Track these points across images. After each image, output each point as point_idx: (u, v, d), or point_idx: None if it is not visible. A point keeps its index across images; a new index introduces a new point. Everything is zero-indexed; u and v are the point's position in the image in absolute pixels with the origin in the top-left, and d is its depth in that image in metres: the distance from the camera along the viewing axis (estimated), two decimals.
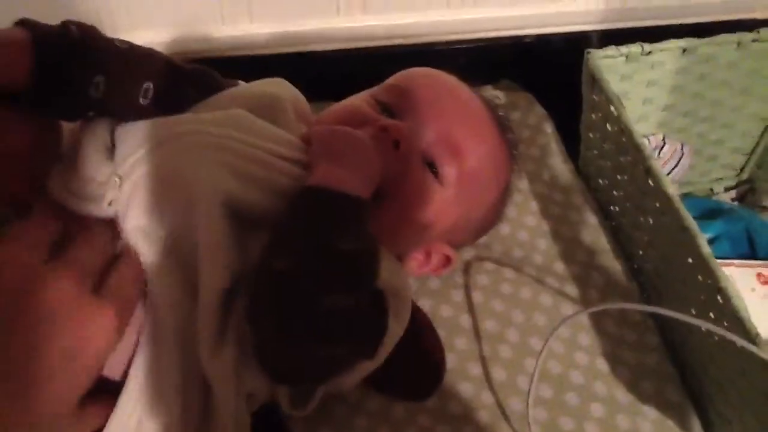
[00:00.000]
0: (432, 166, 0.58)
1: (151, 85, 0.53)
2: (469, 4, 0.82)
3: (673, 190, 0.60)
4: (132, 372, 0.46)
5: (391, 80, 0.63)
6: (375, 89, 0.63)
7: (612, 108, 0.68)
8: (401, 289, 0.56)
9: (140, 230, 0.48)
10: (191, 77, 0.59)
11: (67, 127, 0.55)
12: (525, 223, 0.76)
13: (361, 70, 0.82)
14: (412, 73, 0.64)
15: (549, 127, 0.85)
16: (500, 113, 0.66)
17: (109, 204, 0.48)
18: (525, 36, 0.87)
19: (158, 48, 0.58)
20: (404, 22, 0.82)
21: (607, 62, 0.74)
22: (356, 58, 0.83)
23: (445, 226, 0.61)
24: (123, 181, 0.48)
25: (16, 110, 0.49)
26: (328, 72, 0.83)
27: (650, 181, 0.63)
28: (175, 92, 0.56)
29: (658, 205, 0.63)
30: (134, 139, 0.50)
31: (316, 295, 0.44)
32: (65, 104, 0.49)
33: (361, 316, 0.47)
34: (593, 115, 0.75)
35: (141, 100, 0.53)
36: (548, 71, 0.88)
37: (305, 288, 0.44)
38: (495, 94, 0.83)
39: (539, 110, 0.87)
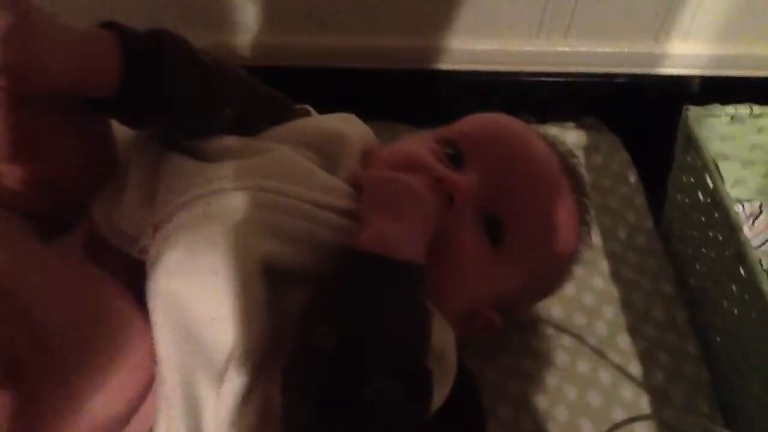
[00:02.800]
0: (489, 227, 0.52)
1: (229, 111, 0.53)
2: (560, 35, 0.76)
3: None
4: None
5: (459, 124, 0.57)
6: (439, 132, 0.57)
7: (707, 177, 0.61)
8: (448, 351, 0.51)
9: (160, 284, 0.45)
10: (265, 103, 0.58)
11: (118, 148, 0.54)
12: (592, 285, 0.69)
13: (439, 92, 0.78)
14: (485, 121, 0.58)
15: (632, 177, 0.78)
16: (577, 174, 0.59)
17: (141, 251, 0.47)
18: (616, 74, 0.80)
19: None
20: (489, 48, 0.76)
21: (708, 121, 0.66)
22: (437, 80, 0.78)
23: (494, 292, 0.55)
24: (157, 231, 0.46)
25: (77, 128, 0.49)
26: (401, 91, 0.78)
27: (742, 270, 0.56)
28: (250, 118, 0.55)
29: (747, 297, 0.56)
30: (176, 186, 0.48)
31: (360, 381, 0.40)
32: (144, 114, 0.50)
33: (406, 405, 0.42)
34: (684, 177, 0.68)
35: (216, 122, 0.53)
36: (638, 115, 0.81)
37: (349, 372, 0.40)
38: (613, 147, 0.75)
39: (623, 156, 0.80)
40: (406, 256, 0.44)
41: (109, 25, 0.48)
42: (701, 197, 0.64)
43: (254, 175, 0.48)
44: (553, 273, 0.59)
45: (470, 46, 0.76)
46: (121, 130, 0.54)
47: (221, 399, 0.43)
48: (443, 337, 0.52)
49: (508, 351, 0.64)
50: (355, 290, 0.43)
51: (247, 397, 0.44)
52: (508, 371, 0.63)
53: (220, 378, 0.43)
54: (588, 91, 0.81)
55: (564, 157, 0.58)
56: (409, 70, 0.77)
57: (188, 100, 0.51)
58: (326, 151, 0.54)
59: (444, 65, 0.77)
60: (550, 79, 0.79)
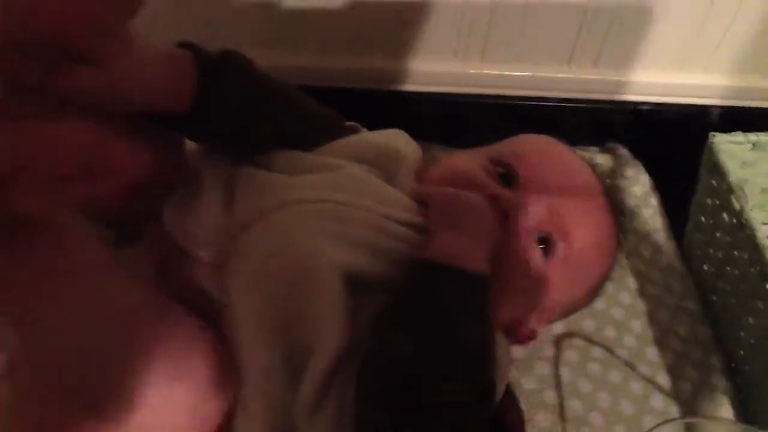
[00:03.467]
0: (542, 244, 0.56)
1: (290, 127, 0.56)
2: (589, 64, 0.80)
3: None
4: None
5: (510, 144, 0.61)
6: (491, 151, 0.61)
7: (733, 199, 0.65)
8: (503, 361, 0.54)
9: (240, 291, 0.48)
10: (321, 120, 0.60)
11: (189, 157, 0.56)
12: (620, 301, 0.73)
13: (469, 116, 0.82)
14: (535, 142, 0.62)
15: (654, 200, 0.82)
16: (615, 196, 0.63)
17: (216, 255, 0.50)
18: (641, 103, 0.84)
19: None
20: (520, 74, 0.80)
21: (730, 147, 0.70)
22: (466, 104, 0.82)
23: (539, 305, 0.59)
24: (235, 237, 0.49)
25: (147, 137, 0.51)
26: (433, 114, 0.82)
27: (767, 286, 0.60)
28: (308, 134, 0.58)
29: None
30: (254, 195, 0.51)
31: (436, 386, 0.43)
32: (211, 130, 0.53)
33: (475, 411, 0.45)
34: (708, 200, 0.72)
35: (279, 137, 0.56)
36: (660, 142, 0.85)
37: (423, 379, 0.43)
38: (636, 172, 0.79)
39: (646, 180, 0.84)
40: (475, 268, 0.48)
41: (184, 46, 0.51)
42: (726, 218, 0.68)
43: (330, 189, 0.51)
44: (592, 287, 0.63)
45: (504, 72, 0.80)
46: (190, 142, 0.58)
47: (300, 398, 0.45)
48: (499, 347, 0.55)
49: (545, 360, 0.67)
50: (429, 299, 0.46)
51: (324, 398, 0.46)
52: (544, 381, 0.66)
53: (299, 378, 0.46)
54: (613, 118, 0.85)
55: (603, 180, 0.62)
56: (445, 93, 0.81)
57: (254, 117, 0.55)
58: (383, 166, 0.57)
59: (476, 89, 0.81)
60: (577, 105, 0.83)
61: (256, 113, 0.55)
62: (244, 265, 0.49)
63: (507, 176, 0.57)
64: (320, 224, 0.49)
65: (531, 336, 0.62)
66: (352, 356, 0.46)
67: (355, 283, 0.48)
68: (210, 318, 0.49)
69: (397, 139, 0.62)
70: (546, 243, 0.56)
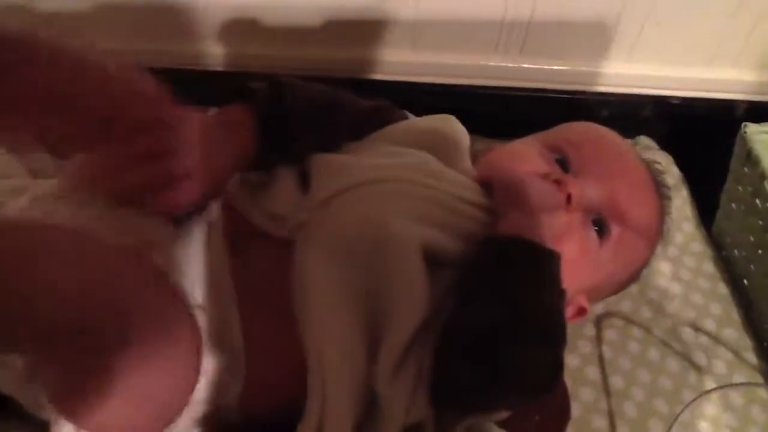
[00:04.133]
0: (597, 226, 0.60)
1: (345, 129, 0.61)
2: (623, 58, 0.84)
3: None
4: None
5: (563, 132, 0.65)
6: (544, 138, 0.64)
7: (767, 185, 0.69)
8: None
9: (318, 261, 0.50)
10: (371, 115, 0.63)
11: None
12: (656, 284, 0.76)
13: (507, 110, 0.85)
14: (586, 130, 0.65)
15: (684, 190, 0.85)
16: (659, 180, 0.66)
17: (292, 229, 0.53)
18: (671, 97, 0.87)
19: None
20: (558, 68, 0.83)
21: (761, 138, 0.74)
22: (504, 97, 0.85)
23: (593, 283, 0.62)
24: (313, 213, 0.52)
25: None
26: (473, 107, 0.85)
27: None
28: (357, 127, 0.61)
29: None
30: (331, 174, 0.55)
31: (523, 349, 0.46)
32: (279, 157, 0.58)
33: (554, 375, 0.48)
34: (740, 188, 0.75)
35: (337, 135, 0.61)
36: (689, 135, 0.88)
37: (514, 341, 0.46)
38: (657, 158, 0.83)
39: (675, 172, 0.87)
40: (546, 244, 0.51)
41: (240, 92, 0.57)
42: (759, 204, 0.71)
43: (406, 170, 0.54)
44: (638, 269, 0.66)
45: (541, 65, 0.83)
46: None
47: (380, 364, 0.48)
48: None
49: (586, 339, 0.70)
50: (513, 270, 0.49)
51: (403, 364, 0.49)
52: (586, 358, 0.69)
53: (378, 346, 0.48)
54: (643, 111, 0.88)
55: (649, 165, 0.66)
56: (487, 87, 0.85)
57: (311, 134, 0.59)
58: (440, 151, 0.61)
59: (519, 83, 0.84)
60: (609, 98, 0.87)
61: (313, 129, 0.59)
62: (324, 239, 0.51)
63: (562, 162, 0.61)
64: (399, 202, 0.52)
65: (581, 314, 0.65)
66: (428, 324, 0.50)
67: (429, 258, 0.51)
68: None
69: (448, 125, 0.65)
70: (601, 226, 0.60)
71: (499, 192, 0.55)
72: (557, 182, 0.57)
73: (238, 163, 0.56)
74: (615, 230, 0.60)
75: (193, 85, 0.77)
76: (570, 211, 0.57)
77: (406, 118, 0.67)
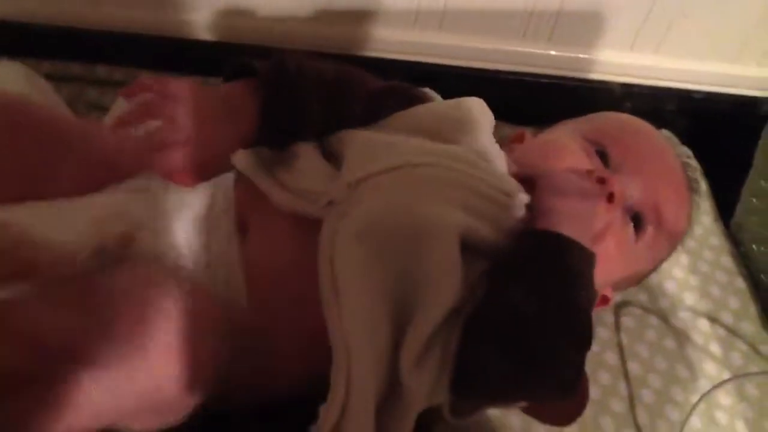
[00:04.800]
0: (635, 222, 0.60)
1: (357, 108, 0.59)
2: (650, 50, 0.84)
3: None
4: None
5: (602, 124, 0.64)
6: (583, 129, 0.64)
7: None
8: None
9: (351, 242, 0.49)
10: (385, 94, 0.62)
11: None
12: (674, 275, 0.76)
13: (532, 96, 0.86)
14: (626, 123, 0.66)
15: (703, 184, 0.86)
16: (690, 174, 0.67)
17: (328, 204, 0.51)
18: (695, 91, 0.88)
19: None
20: (585, 57, 0.84)
21: None
22: (530, 84, 0.86)
23: (622, 277, 0.63)
24: (345, 192, 0.51)
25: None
26: (498, 92, 0.85)
27: None
28: (371, 106, 0.60)
29: None
30: (369, 152, 0.54)
31: (554, 342, 0.46)
32: (286, 135, 0.56)
33: (579, 368, 0.49)
34: (763, 183, 0.76)
35: (352, 113, 0.59)
36: (710, 130, 0.88)
37: (547, 334, 0.46)
38: (685, 152, 0.83)
39: (695, 166, 0.87)
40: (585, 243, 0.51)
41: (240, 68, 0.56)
42: None
43: (447, 156, 0.54)
44: (663, 260, 0.67)
45: (570, 54, 0.84)
46: None
47: (406, 350, 0.47)
48: None
49: (605, 326, 0.71)
50: (551, 265, 0.49)
51: (429, 350, 0.48)
52: (605, 344, 0.70)
53: (403, 331, 0.47)
54: (666, 104, 0.89)
55: (680, 156, 0.66)
56: (513, 72, 0.85)
57: (322, 111, 0.57)
58: (466, 134, 0.59)
59: (545, 70, 0.84)
60: (634, 90, 0.87)
61: (324, 105, 0.57)
62: (358, 219, 0.50)
63: (602, 155, 0.61)
64: (439, 187, 0.51)
65: (604, 302, 0.65)
66: (456, 312, 0.49)
67: (465, 246, 0.49)
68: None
69: (472, 109, 0.62)
70: (637, 220, 0.60)
71: (542, 192, 0.55)
72: (601, 180, 0.57)
73: (240, 139, 0.55)
74: (650, 228, 0.61)
75: (181, 55, 0.80)
76: (610, 209, 0.58)
77: (423, 99, 0.65)
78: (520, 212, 0.54)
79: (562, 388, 0.49)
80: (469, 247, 0.49)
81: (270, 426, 0.52)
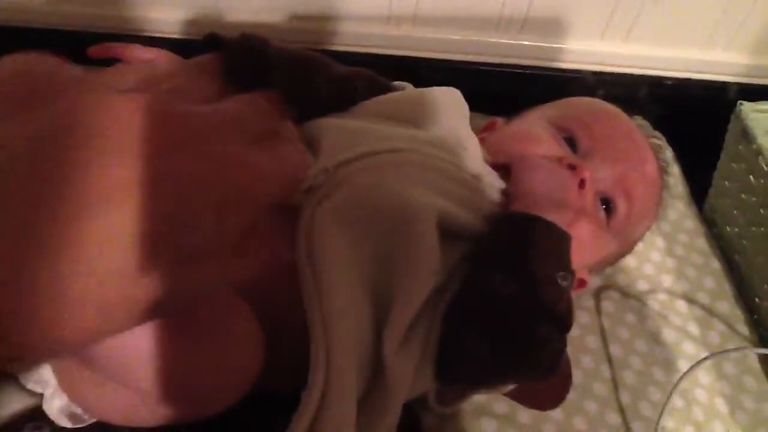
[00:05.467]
0: (605, 206, 0.61)
1: (324, 85, 0.58)
2: (621, 38, 0.85)
3: None
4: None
5: (570, 110, 0.66)
6: (552, 116, 0.65)
7: (761, 161, 0.70)
8: None
9: (331, 226, 0.49)
10: (353, 79, 0.62)
11: None
12: (651, 258, 0.78)
13: (504, 87, 0.86)
14: (594, 107, 0.66)
15: (676, 169, 0.87)
16: (661, 156, 0.68)
17: (307, 190, 0.50)
18: (666, 78, 0.89)
19: None
20: (557, 46, 0.85)
21: (755, 116, 0.76)
22: (502, 74, 0.86)
23: (597, 259, 0.64)
24: (323, 180, 0.50)
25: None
26: (471, 83, 0.85)
27: None
28: (339, 91, 0.59)
29: None
30: (346, 138, 0.54)
31: (536, 324, 0.47)
32: None
33: (560, 348, 0.49)
34: (734, 165, 0.77)
35: (318, 95, 0.58)
36: (682, 115, 0.90)
37: (527, 316, 0.47)
38: (655, 135, 0.84)
39: (668, 151, 0.88)
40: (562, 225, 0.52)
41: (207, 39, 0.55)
42: (753, 180, 0.73)
43: (424, 143, 0.54)
44: (637, 241, 0.68)
45: (542, 44, 0.84)
46: None
47: (388, 335, 0.47)
48: None
49: (584, 311, 0.72)
50: (529, 247, 0.50)
51: (411, 334, 0.49)
52: (586, 328, 0.71)
53: (384, 316, 0.47)
54: (638, 91, 0.90)
55: (652, 141, 0.67)
56: (486, 63, 0.86)
57: (290, 88, 0.55)
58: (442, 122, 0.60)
59: (518, 60, 0.85)
60: (605, 77, 0.88)
61: (292, 82, 0.56)
62: (338, 204, 0.50)
63: (571, 141, 0.62)
64: (416, 172, 0.52)
65: (581, 285, 0.67)
66: (437, 295, 0.50)
67: (443, 230, 0.50)
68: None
69: (443, 97, 0.63)
70: (608, 204, 0.61)
71: (516, 177, 0.56)
72: (571, 167, 0.58)
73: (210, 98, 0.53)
74: (622, 209, 0.62)
75: None
76: (581, 195, 0.58)
77: (390, 87, 0.65)
78: (496, 197, 0.55)
79: (543, 368, 0.50)
80: (447, 232, 0.50)
81: (251, 418, 0.51)
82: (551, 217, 0.52)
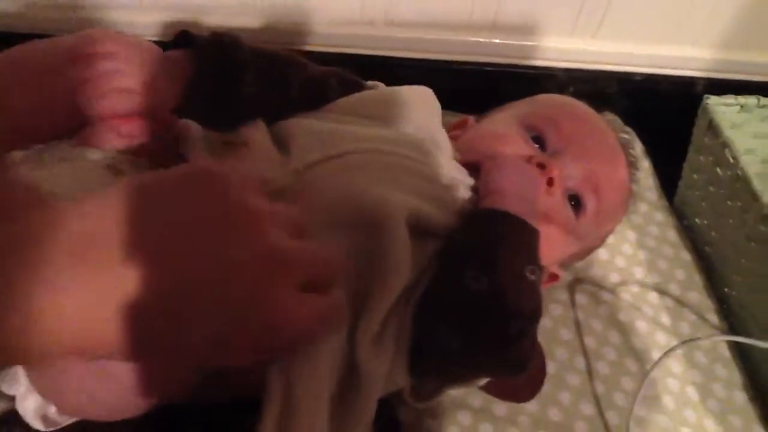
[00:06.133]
0: (573, 202, 0.62)
1: (297, 83, 0.58)
2: (590, 35, 0.86)
3: None
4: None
5: (539, 108, 0.66)
6: (521, 115, 0.65)
7: (728, 153, 0.72)
8: None
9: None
10: (326, 78, 0.62)
11: None
12: (622, 251, 0.79)
13: (475, 85, 0.87)
14: (562, 105, 0.67)
15: (646, 163, 0.89)
16: (630, 152, 0.69)
17: (278, 193, 0.50)
18: (635, 74, 0.90)
19: None
20: (528, 43, 0.86)
21: (721, 109, 0.77)
22: (473, 73, 0.87)
23: (567, 255, 0.65)
24: (293, 181, 0.51)
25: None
26: (443, 82, 0.86)
27: (762, 227, 0.67)
28: (313, 89, 0.60)
29: None
30: (315, 139, 0.54)
31: (506, 319, 0.48)
32: (220, 106, 0.54)
33: (531, 343, 0.50)
34: (702, 158, 0.79)
35: (291, 94, 0.58)
36: (651, 110, 0.91)
37: (497, 310, 0.48)
38: (625, 129, 0.85)
39: (638, 146, 0.90)
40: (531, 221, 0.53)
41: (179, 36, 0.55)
42: (720, 172, 0.75)
43: (393, 143, 0.55)
44: (608, 235, 0.69)
45: (513, 42, 0.85)
46: None
47: (362, 333, 0.47)
48: None
49: (559, 303, 0.73)
50: (499, 243, 0.51)
51: (384, 332, 0.49)
52: (559, 320, 0.72)
53: (359, 314, 0.47)
54: (607, 87, 0.91)
55: (621, 137, 0.68)
56: (457, 62, 0.86)
57: (262, 86, 0.56)
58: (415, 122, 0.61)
59: (489, 59, 0.86)
60: (576, 74, 0.89)
61: (263, 80, 0.56)
62: (308, 205, 0.49)
63: (540, 140, 0.63)
64: (386, 172, 0.53)
65: (552, 280, 0.68)
66: (409, 292, 0.50)
67: (414, 228, 0.51)
68: None
69: (414, 95, 0.63)
70: (576, 201, 0.62)
71: (487, 175, 0.56)
72: (540, 165, 0.59)
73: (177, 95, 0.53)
74: (591, 206, 0.63)
75: None
76: (550, 193, 0.59)
77: (363, 86, 0.65)
78: (466, 195, 0.56)
79: (515, 362, 0.51)
80: (418, 230, 0.50)
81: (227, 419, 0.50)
82: (520, 213, 0.53)
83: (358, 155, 0.54)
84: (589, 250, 0.71)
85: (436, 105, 0.65)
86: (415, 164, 0.55)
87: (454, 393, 0.64)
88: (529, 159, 0.60)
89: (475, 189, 0.57)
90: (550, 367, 0.67)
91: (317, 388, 0.44)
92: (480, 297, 0.48)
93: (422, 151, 0.56)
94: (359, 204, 0.50)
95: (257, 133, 0.56)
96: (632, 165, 0.69)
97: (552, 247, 0.60)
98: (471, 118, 0.72)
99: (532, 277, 0.50)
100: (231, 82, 0.55)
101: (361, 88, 0.64)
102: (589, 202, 0.63)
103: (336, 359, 0.46)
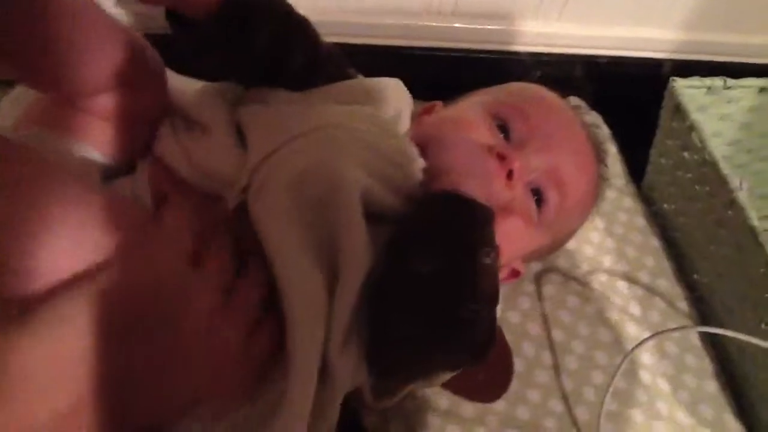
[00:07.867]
0: (536, 196, 0.59)
1: (300, 56, 0.56)
2: (554, 17, 0.84)
3: (758, 225, 0.62)
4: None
5: (507, 96, 0.63)
6: (487, 102, 0.62)
7: (694, 137, 0.70)
8: None
9: (272, 215, 0.48)
10: (327, 59, 0.59)
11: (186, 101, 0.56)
12: (590, 240, 0.77)
13: (439, 71, 0.84)
14: (531, 94, 0.64)
15: (613, 148, 0.87)
16: (598, 144, 0.66)
17: (243, 190, 0.50)
18: (600, 56, 0.88)
19: None
20: (492, 28, 0.83)
21: (688, 92, 0.75)
22: (436, 58, 0.84)
23: (530, 249, 0.63)
24: (257, 168, 0.49)
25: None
26: (405, 68, 0.83)
27: (730, 212, 0.65)
28: (311, 70, 0.57)
29: (738, 238, 0.65)
30: (268, 128, 0.52)
31: (458, 301, 0.45)
32: (233, 48, 0.53)
33: (488, 327, 0.48)
34: (669, 142, 0.77)
35: (292, 65, 0.56)
36: (617, 93, 0.89)
37: (449, 294, 0.45)
38: (595, 122, 0.83)
39: (604, 130, 0.88)
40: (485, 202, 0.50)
41: None
42: (687, 156, 0.73)
43: (347, 116, 0.52)
44: (574, 231, 0.67)
45: (473, 26, 0.83)
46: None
47: (335, 328, 0.46)
48: None
49: (526, 295, 0.71)
50: (452, 224, 0.48)
51: (352, 327, 0.47)
52: (527, 314, 0.70)
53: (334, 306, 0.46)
54: (572, 71, 0.89)
55: (589, 127, 0.66)
56: (418, 48, 0.84)
57: (269, 37, 0.54)
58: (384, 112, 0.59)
59: (451, 44, 0.83)
60: (542, 59, 0.87)
61: (271, 33, 0.54)
62: (275, 191, 0.48)
63: (505, 128, 0.60)
64: (341, 146, 0.50)
65: (514, 275, 0.65)
66: (370, 282, 0.48)
67: (367, 210, 0.48)
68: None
69: (392, 87, 0.62)
70: (539, 194, 0.59)
71: (434, 154, 0.54)
72: (501, 156, 0.56)
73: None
74: (554, 200, 0.60)
75: None
76: (510, 186, 0.57)
77: (352, 77, 0.63)
78: (418, 176, 0.53)
79: (473, 348, 0.48)
80: (371, 214, 0.48)
81: None
82: (471, 192, 0.50)
83: (314, 133, 0.51)
84: (554, 247, 0.68)
85: (406, 97, 0.63)
86: (372, 139, 0.52)
87: (421, 395, 0.62)
88: (489, 149, 0.57)
89: (426, 170, 0.55)
90: (517, 364, 0.65)
91: (308, 384, 0.44)
92: (432, 281, 0.46)
93: (377, 125, 0.54)
94: (321, 179, 0.48)
95: (220, 121, 0.55)
96: (600, 151, 0.67)
97: (512, 241, 0.58)
98: (439, 103, 0.70)
99: (487, 260, 0.48)
100: (249, 32, 0.53)
101: (348, 78, 0.62)
102: (552, 197, 0.60)
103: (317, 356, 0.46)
